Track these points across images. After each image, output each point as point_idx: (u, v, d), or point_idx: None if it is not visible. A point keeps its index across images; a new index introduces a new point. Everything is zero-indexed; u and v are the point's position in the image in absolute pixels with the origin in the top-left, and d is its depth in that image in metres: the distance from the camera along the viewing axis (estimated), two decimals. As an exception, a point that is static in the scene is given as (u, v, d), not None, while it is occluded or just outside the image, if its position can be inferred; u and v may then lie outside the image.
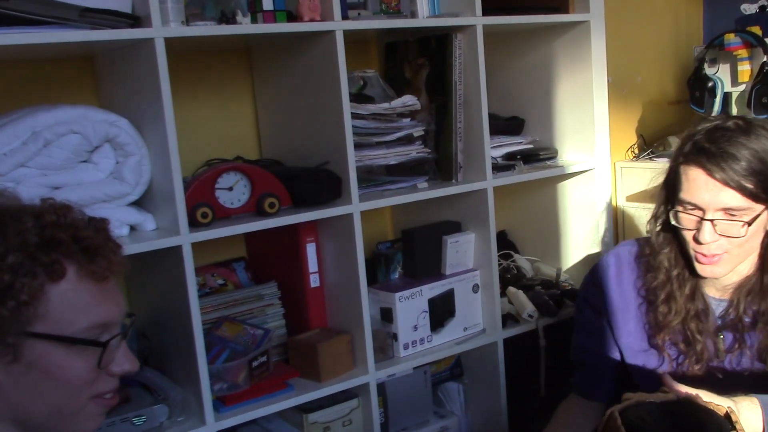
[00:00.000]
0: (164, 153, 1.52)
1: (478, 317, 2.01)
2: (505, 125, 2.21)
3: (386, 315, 1.88)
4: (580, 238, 2.25)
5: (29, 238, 0.92)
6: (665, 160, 2.57)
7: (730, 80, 2.42)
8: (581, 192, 2.23)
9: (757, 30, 2.32)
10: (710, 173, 1.38)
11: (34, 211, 0.96)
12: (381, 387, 1.90)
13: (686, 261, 1.51)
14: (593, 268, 1.71)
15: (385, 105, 1.86)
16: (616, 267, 1.64)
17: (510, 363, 2.03)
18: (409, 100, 1.90)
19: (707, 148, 1.40)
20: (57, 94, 1.72)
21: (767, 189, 1.39)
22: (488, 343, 2.00)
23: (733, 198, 1.38)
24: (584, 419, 1.73)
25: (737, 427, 0.98)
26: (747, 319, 1.49)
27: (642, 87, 2.74)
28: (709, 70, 2.41)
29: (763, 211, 1.41)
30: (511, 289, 2.10)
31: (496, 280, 1.99)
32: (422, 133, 1.92)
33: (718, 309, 1.53)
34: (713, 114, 2.40)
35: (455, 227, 2.01)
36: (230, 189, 1.66)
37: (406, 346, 1.89)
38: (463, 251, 1.98)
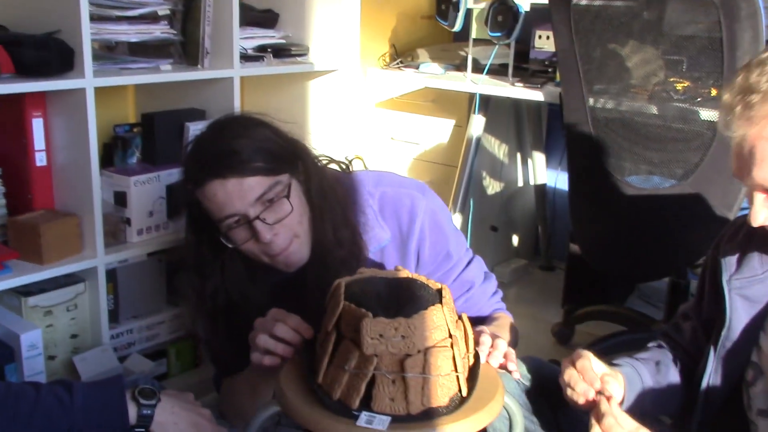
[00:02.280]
0: None
1: (218, 208, 2.01)
2: (259, 17, 2.17)
3: (120, 199, 1.82)
4: (328, 140, 2.31)
5: None
6: (413, 70, 2.71)
7: (473, -3, 2.54)
8: (330, 92, 2.27)
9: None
10: (223, 177, 1.30)
11: None
12: (112, 273, 1.84)
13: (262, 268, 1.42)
14: None
15: (128, -23, 1.75)
16: None
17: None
18: (154, -24, 1.81)
19: (203, 162, 1.34)
20: None
21: (276, 158, 1.34)
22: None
23: (256, 184, 1.31)
24: None
25: (443, 301, 1.06)
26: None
27: (396, -2, 2.83)
28: (455, -14, 2.52)
29: (290, 180, 1.35)
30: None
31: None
32: (168, 12, 1.84)
33: None
34: (456, 28, 2.53)
35: (199, 115, 1.96)
36: (-61, 48, 1.49)
37: (140, 232, 1.85)
38: (206, 140, 1.95)
